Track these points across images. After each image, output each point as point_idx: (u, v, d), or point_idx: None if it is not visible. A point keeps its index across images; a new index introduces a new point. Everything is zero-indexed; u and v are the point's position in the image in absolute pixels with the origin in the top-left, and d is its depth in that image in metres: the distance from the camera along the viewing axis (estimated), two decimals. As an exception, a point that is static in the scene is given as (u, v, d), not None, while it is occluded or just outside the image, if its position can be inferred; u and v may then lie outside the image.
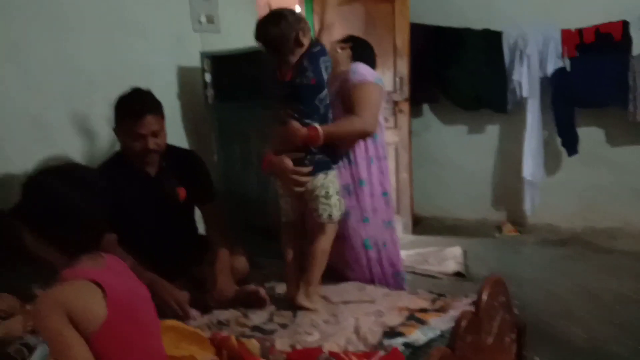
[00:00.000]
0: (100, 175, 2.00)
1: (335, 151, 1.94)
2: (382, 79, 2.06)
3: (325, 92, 1.86)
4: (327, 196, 1.86)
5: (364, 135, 1.98)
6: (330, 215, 1.87)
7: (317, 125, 1.83)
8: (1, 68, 2.26)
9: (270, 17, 1.84)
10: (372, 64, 2.13)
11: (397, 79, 4.00)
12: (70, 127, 2.51)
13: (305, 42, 1.83)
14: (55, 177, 1.20)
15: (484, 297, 1.39)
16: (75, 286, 1.13)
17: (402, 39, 3.94)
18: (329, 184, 1.87)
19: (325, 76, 1.84)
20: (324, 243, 1.88)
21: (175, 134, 2.99)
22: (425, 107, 4.42)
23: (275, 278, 2.15)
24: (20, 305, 1.73)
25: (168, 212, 2.11)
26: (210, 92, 3.04)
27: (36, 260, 1.22)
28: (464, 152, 4.32)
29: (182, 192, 2.12)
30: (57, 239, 1.18)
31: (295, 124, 1.82)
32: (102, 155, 2.36)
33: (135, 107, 1.99)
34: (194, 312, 1.88)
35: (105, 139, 2.47)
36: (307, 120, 1.84)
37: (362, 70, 1.98)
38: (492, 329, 1.45)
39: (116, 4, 2.71)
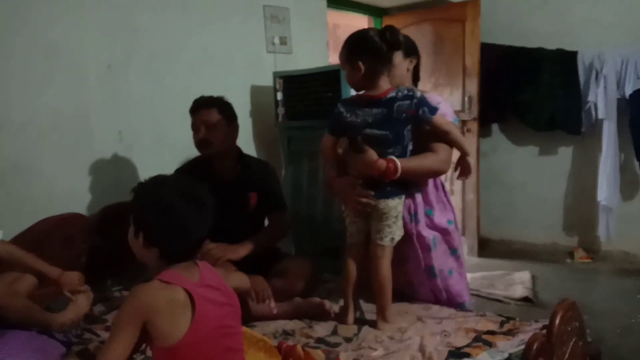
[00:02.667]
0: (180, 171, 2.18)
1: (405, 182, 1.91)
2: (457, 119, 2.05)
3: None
4: (395, 220, 1.87)
5: (439, 174, 1.99)
6: (392, 239, 1.88)
7: (395, 158, 1.79)
8: (95, 88, 2.49)
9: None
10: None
11: (466, 98, 3.97)
12: (151, 142, 2.72)
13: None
14: (172, 188, 1.24)
15: (557, 320, 1.35)
16: (168, 291, 1.16)
17: (472, 59, 3.92)
18: (400, 207, 1.88)
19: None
20: (386, 267, 1.87)
21: (247, 150, 3.12)
22: (495, 127, 4.35)
23: (339, 294, 2.17)
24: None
25: (238, 216, 2.20)
26: (281, 110, 3.14)
27: (128, 256, 1.29)
28: (535, 174, 4.19)
29: (253, 198, 2.22)
30: (162, 245, 1.22)
31: (373, 154, 1.79)
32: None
33: (194, 102, 2.24)
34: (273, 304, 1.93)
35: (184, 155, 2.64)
36: (389, 150, 1.81)
37: (444, 107, 1.94)
38: (564, 355, 1.41)
39: (199, 34, 2.93)
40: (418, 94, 1.82)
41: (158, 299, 1.14)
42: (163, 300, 1.14)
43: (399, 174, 1.79)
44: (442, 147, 1.89)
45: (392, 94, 1.80)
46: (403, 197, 1.88)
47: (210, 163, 2.23)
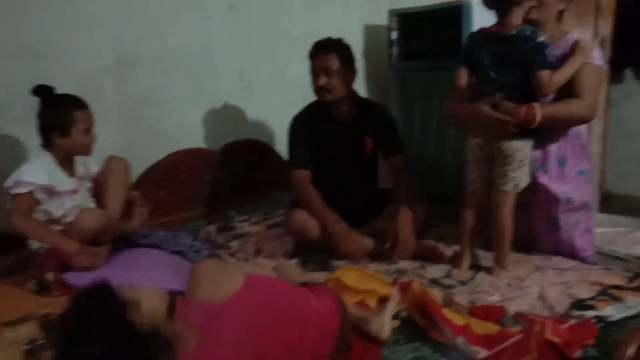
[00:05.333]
0: (295, 121, 2.23)
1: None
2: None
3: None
4: (521, 164, 1.77)
5: (583, 122, 1.82)
6: (516, 185, 1.79)
7: (536, 104, 1.68)
8: (218, 28, 2.58)
9: None
10: None
11: (598, 40, 3.61)
12: (270, 82, 2.78)
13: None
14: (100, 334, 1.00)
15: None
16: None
17: (608, -5, 3.53)
18: (527, 152, 1.77)
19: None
20: (507, 214, 1.80)
21: (358, 92, 3.11)
22: (628, 73, 3.93)
23: (451, 239, 2.14)
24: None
25: (354, 160, 2.22)
26: (395, 50, 3.06)
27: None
28: (671, 125, 3.78)
29: (369, 143, 2.21)
30: None
31: (511, 105, 1.69)
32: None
33: (314, 47, 2.19)
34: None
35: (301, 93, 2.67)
36: (507, 93, 1.70)
37: (594, 49, 1.79)
38: None
39: None
40: (541, 37, 1.67)
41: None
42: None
43: (537, 121, 1.69)
44: (587, 92, 1.74)
45: (514, 31, 1.68)
46: (531, 141, 1.77)
47: (327, 108, 2.21)
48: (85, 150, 1.90)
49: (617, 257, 3.02)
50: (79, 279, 1.67)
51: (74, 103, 1.85)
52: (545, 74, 1.67)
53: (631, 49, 3.73)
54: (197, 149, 2.57)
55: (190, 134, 2.58)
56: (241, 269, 1.48)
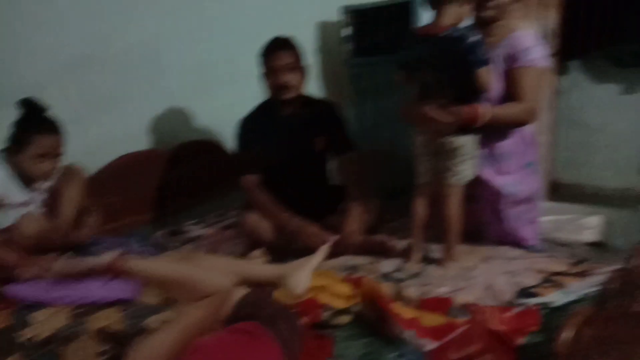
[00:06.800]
0: (245, 122, 2.21)
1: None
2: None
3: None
4: (464, 158, 1.80)
5: (523, 124, 1.86)
6: (461, 179, 1.83)
7: (478, 105, 1.71)
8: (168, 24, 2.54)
9: None
10: None
11: (544, 32, 3.71)
12: (223, 80, 2.74)
13: None
14: None
15: (635, 262, 1.30)
16: None
17: (553, -13, 3.63)
18: (471, 146, 1.81)
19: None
20: (454, 206, 1.84)
21: (314, 89, 3.11)
22: (574, 64, 4.06)
23: (403, 233, 2.17)
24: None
25: (304, 158, 2.22)
26: (349, 46, 3.08)
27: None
28: (614, 114, 3.91)
29: (319, 141, 2.22)
30: None
31: (455, 107, 1.70)
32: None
33: (269, 45, 2.16)
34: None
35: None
36: (458, 98, 1.70)
37: (536, 50, 1.80)
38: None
39: None
40: (474, 37, 1.67)
41: None
42: None
43: (481, 123, 1.72)
44: (528, 96, 1.78)
45: (446, 32, 1.68)
46: (475, 136, 1.81)
47: (277, 107, 2.21)
48: (36, 175, 1.83)
49: (565, 244, 3.15)
50: (21, 291, 1.61)
51: (41, 125, 1.80)
52: (482, 72, 1.69)
53: (578, 41, 3.85)
54: (147, 151, 2.52)
55: (140, 135, 2.52)
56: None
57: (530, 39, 1.83)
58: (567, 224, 3.37)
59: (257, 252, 1.91)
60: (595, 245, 3.04)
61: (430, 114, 1.73)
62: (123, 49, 2.39)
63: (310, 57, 3.11)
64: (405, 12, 2.71)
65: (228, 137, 2.81)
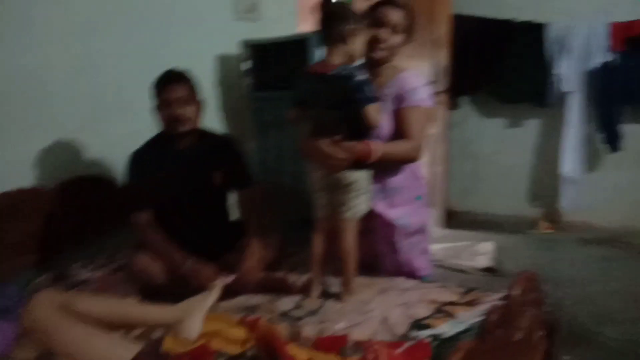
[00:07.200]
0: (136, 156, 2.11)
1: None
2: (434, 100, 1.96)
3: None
4: (359, 193, 1.84)
5: (411, 161, 1.95)
6: (356, 213, 1.86)
7: (371, 142, 1.76)
8: (56, 53, 2.39)
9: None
10: None
11: (436, 70, 3.95)
12: (115, 112, 2.62)
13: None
14: None
15: (516, 292, 1.37)
16: None
17: (443, 29, 3.88)
18: (364, 181, 1.85)
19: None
20: (350, 240, 1.87)
21: (214, 122, 3.06)
22: (464, 100, 4.35)
23: (305, 267, 2.16)
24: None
25: (200, 194, 2.16)
26: (249, 80, 3.08)
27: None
28: (502, 146, 4.24)
29: (216, 176, 2.17)
30: None
31: (348, 143, 1.73)
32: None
33: (163, 78, 2.11)
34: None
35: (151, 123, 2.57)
36: (349, 135, 1.74)
37: (422, 91, 1.89)
38: (521, 325, 1.43)
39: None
40: (362, 76, 1.72)
41: None
42: None
43: (372, 159, 1.76)
44: (414, 135, 1.86)
45: (334, 71, 1.72)
46: (368, 171, 1.85)
47: (171, 141, 2.14)
48: None
49: (461, 270, 3.30)
50: None
51: None
52: (371, 109, 1.74)
53: (466, 78, 4.13)
54: (29, 189, 2.32)
55: (20, 170, 2.32)
56: None
57: (417, 80, 1.92)
58: (462, 251, 3.55)
59: None
60: (488, 270, 3.22)
61: (324, 149, 1.75)
62: (6, 76, 2.21)
63: (211, 90, 3.09)
64: (302, 49, 2.77)
65: (119, 171, 2.68)
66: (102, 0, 2.56)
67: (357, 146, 1.75)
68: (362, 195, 1.85)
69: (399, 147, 1.86)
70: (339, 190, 1.84)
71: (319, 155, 1.78)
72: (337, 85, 1.72)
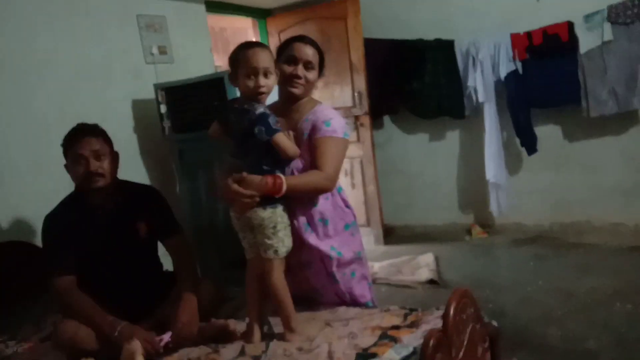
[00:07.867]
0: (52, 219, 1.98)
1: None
2: (348, 133, 1.95)
3: None
4: (274, 231, 1.78)
5: (324, 192, 1.91)
6: (276, 251, 1.80)
7: (280, 174, 1.74)
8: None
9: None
10: None
11: (356, 94, 4.04)
12: (26, 171, 2.47)
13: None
14: None
15: (451, 312, 1.38)
16: None
17: (358, 54, 3.99)
18: (278, 218, 1.79)
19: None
20: (277, 279, 1.80)
21: (135, 168, 2.96)
22: (386, 119, 4.46)
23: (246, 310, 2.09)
24: None
25: (127, 249, 2.05)
26: (167, 123, 3.00)
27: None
28: (427, 159, 4.37)
29: (142, 228, 2.07)
30: None
31: (254, 178, 1.71)
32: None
33: (75, 132, 2.01)
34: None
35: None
36: (266, 167, 1.74)
37: (335, 122, 1.88)
38: (462, 343, 1.44)
39: (72, 47, 2.74)
40: (259, 109, 1.72)
41: None
42: None
43: (282, 192, 1.72)
44: (328, 164, 1.85)
45: (241, 104, 1.75)
46: (279, 206, 1.79)
47: (87, 198, 2.03)
48: None
49: (405, 286, 3.33)
50: None
51: None
52: (277, 139, 1.73)
53: (385, 99, 4.25)
54: None
55: None
56: None
57: (330, 112, 1.94)
58: (403, 266, 3.59)
59: None
60: (431, 282, 3.27)
61: (231, 188, 1.71)
62: None
63: (130, 136, 2.99)
64: (218, 87, 2.74)
65: (34, 234, 2.51)
66: (7, 50, 2.43)
67: (263, 180, 1.72)
68: (280, 232, 1.80)
69: (309, 178, 1.84)
70: (254, 230, 1.79)
71: (226, 194, 1.75)
72: (244, 118, 1.73)
